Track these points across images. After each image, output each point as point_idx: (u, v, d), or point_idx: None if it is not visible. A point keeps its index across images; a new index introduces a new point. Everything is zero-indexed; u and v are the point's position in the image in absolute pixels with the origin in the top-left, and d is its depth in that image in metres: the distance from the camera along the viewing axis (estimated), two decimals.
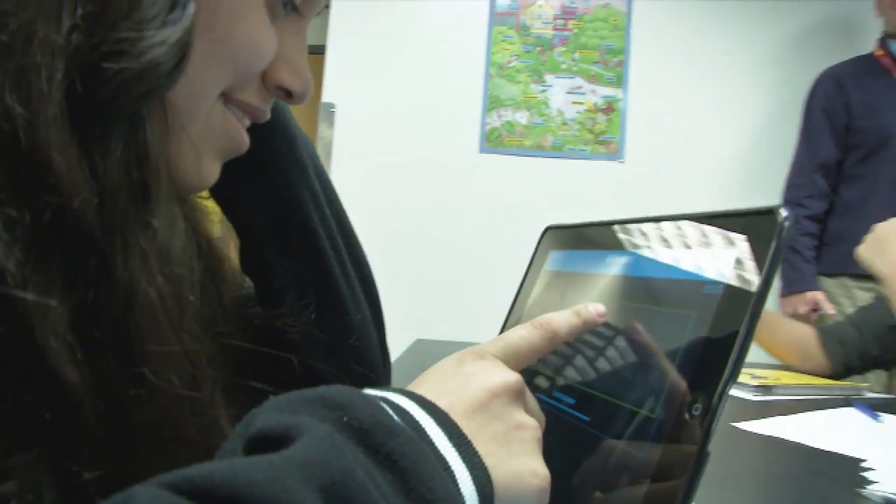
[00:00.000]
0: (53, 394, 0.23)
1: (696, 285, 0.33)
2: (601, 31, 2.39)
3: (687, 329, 0.32)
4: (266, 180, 0.45)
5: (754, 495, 0.53)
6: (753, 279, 0.29)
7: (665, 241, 0.38)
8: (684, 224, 0.37)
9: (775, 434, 0.70)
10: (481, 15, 2.38)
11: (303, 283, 0.45)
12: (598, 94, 2.38)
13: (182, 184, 0.34)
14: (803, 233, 2.01)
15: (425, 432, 0.27)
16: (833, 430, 0.75)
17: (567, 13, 2.39)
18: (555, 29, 2.39)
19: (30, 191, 0.23)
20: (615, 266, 0.41)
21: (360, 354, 0.49)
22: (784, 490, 0.54)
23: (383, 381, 0.53)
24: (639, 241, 0.40)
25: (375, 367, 0.52)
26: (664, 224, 0.39)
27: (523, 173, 2.37)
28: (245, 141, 0.38)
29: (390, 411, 0.26)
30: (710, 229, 0.34)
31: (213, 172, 0.37)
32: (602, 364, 0.37)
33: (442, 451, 0.27)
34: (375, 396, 0.27)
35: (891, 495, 0.48)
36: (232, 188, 0.42)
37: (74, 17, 0.25)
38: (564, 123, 2.37)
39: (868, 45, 2.19)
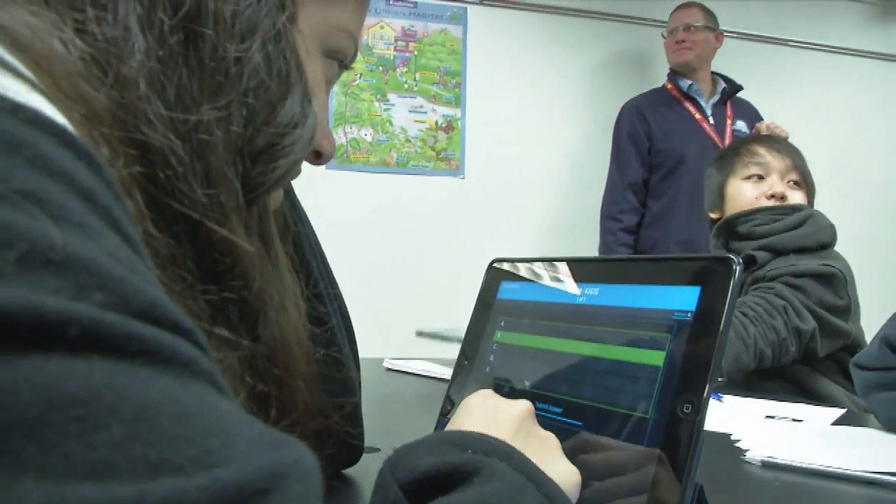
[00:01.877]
0: None
1: (666, 313, 0.43)
2: (439, 53, 2.54)
3: (667, 347, 0.42)
4: None
5: None
6: (718, 308, 0.40)
7: (622, 276, 0.48)
8: (641, 263, 0.47)
9: None
10: None
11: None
12: (438, 112, 2.52)
13: None
14: (620, 244, 2.31)
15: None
16: None
17: (408, 35, 2.50)
18: (396, 50, 2.49)
19: (219, 276, 0.27)
20: (579, 296, 0.50)
21: (338, 364, 0.54)
22: None
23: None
24: (597, 275, 0.50)
25: (352, 378, 0.57)
26: (618, 264, 0.49)
27: (370, 189, 2.45)
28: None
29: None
30: (668, 268, 0.45)
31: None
32: (586, 377, 0.47)
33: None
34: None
35: (766, 458, 0.62)
36: None
37: (241, 120, 0.29)
38: (408, 141, 2.49)
39: (660, 77, 2.57)
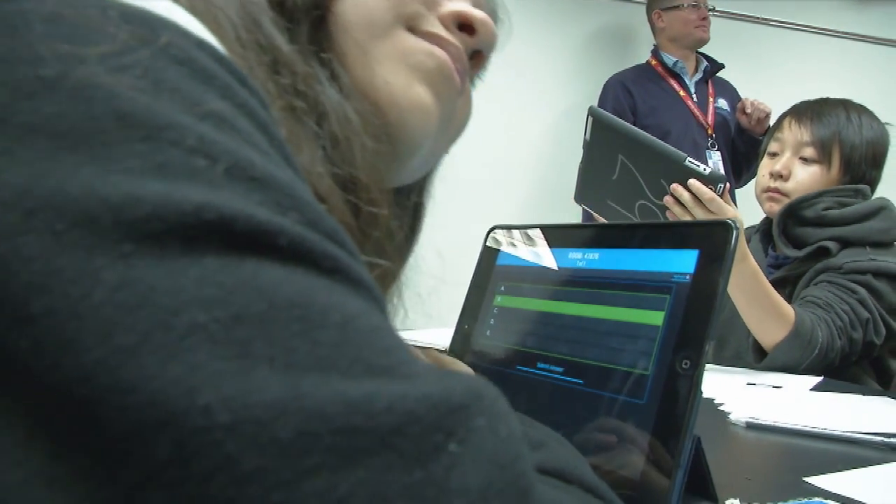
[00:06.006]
0: None
1: (665, 275, 0.45)
2: None
3: (666, 308, 0.44)
4: None
5: None
6: (716, 269, 0.42)
7: (622, 241, 0.50)
8: (641, 229, 0.49)
9: None
10: None
11: None
12: None
13: (393, 104, 0.36)
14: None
15: None
16: None
17: None
18: None
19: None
20: (579, 260, 0.52)
21: None
22: None
23: None
24: (597, 240, 0.52)
25: None
26: (618, 230, 0.51)
27: None
28: (443, 55, 0.38)
29: None
30: (667, 233, 0.47)
31: (420, 94, 0.37)
32: (586, 337, 0.48)
33: None
34: None
35: (749, 419, 0.65)
36: None
37: None
38: None
39: (643, 54, 2.58)
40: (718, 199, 0.96)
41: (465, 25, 0.40)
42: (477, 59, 0.43)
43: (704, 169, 0.97)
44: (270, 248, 0.17)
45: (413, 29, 0.38)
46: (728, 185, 0.98)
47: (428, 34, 0.38)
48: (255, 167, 0.18)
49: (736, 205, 2.42)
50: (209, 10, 0.25)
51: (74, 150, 0.16)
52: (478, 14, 0.40)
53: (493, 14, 0.45)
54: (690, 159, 0.97)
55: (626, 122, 1.07)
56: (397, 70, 0.36)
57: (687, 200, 0.97)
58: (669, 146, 1.01)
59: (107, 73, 0.17)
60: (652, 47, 2.54)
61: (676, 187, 0.98)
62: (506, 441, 0.17)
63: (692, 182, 0.97)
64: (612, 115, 1.09)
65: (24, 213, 0.15)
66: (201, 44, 0.20)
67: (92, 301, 0.15)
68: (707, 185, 0.96)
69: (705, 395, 0.80)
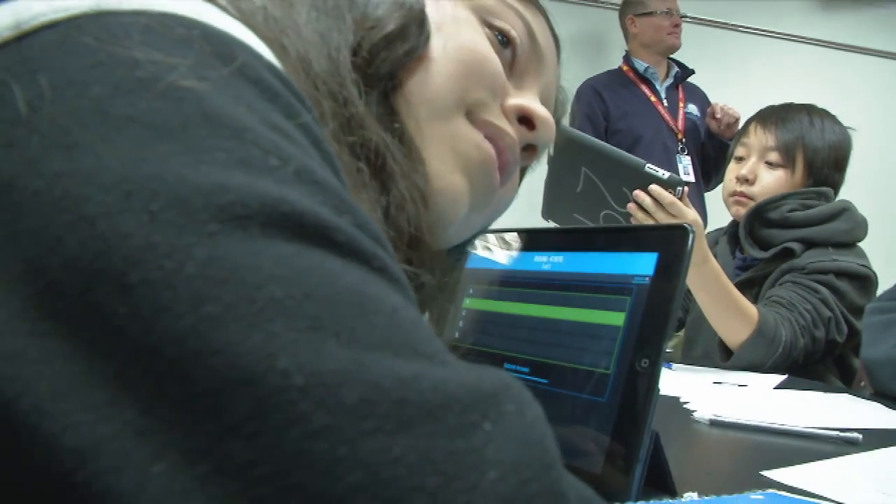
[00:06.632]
0: None
1: (626, 277, 0.47)
2: None
3: (626, 309, 0.46)
4: None
5: None
6: (674, 272, 0.44)
7: (584, 244, 0.51)
8: (603, 233, 0.50)
9: None
10: None
11: None
12: None
13: (430, 183, 0.38)
14: None
15: None
16: None
17: None
18: None
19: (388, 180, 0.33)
20: (544, 263, 0.53)
21: None
22: None
23: None
24: (561, 244, 0.53)
25: None
26: (580, 233, 0.52)
27: None
28: (490, 151, 0.40)
29: None
30: (626, 238, 0.48)
31: (457, 182, 0.39)
32: (551, 338, 0.50)
33: None
34: None
35: (713, 417, 0.67)
36: None
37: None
38: None
39: (615, 59, 2.61)
40: (678, 202, 0.99)
41: (525, 119, 0.43)
42: (530, 152, 0.46)
43: (663, 174, 1.00)
44: (332, 243, 0.19)
45: (472, 115, 0.40)
46: (687, 188, 1.01)
47: (485, 123, 0.40)
48: (315, 173, 0.20)
49: (706, 208, 2.47)
50: (289, 43, 0.29)
51: (168, 141, 0.18)
52: (540, 112, 0.42)
53: (563, 106, 0.47)
54: (650, 165, 1.00)
55: (586, 135, 1.10)
56: (444, 154, 0.39)
57: (649, 205, 1.00)
58: (629, 154, 1.04)
59: (194, 80, 0.20)
60: (624, 53, 2.57)
61: (638, 193, 1.00)
62: (532, 423, 0.19)
63: (652, 187, 0.99)
64: (573, 129, 1.12)
65: (123, 195, 0.17)
66: (269, 66, 0.23)
67: (184, 273, 0.17)
68: (667, 190, 0.99)
69: (672, 393, 0.82)
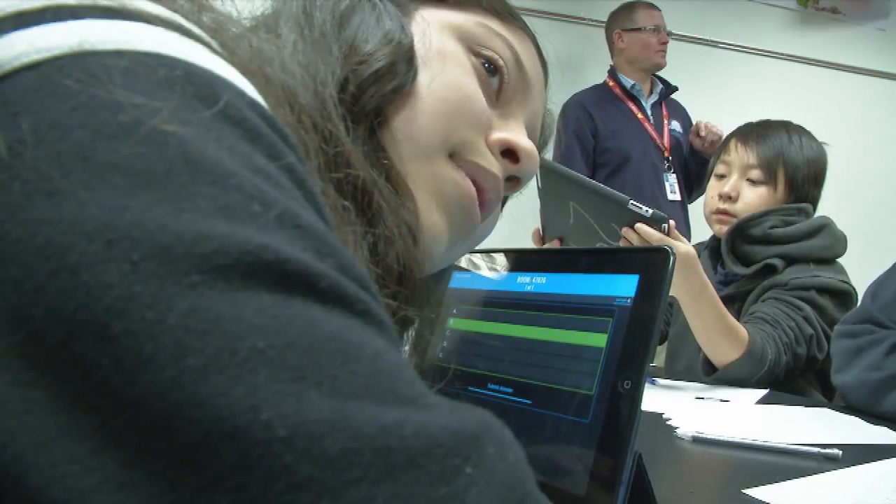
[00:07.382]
0: None
1: (608, 299, 0.47)
2: None
3: (609, 330, 0.46)
4: None
5: None
6: (655, 294, 0.44)
7: (567, 266, 0.52)
8: (585, 254, 0.51)
9: None
10: None
11: None
12: None
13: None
14: None
15: None
16: None
17: None
18: None
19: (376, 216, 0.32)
20: (527, 284, 0.54)
21: None
22: None
23: None
24: (543, 265, 0.53)
25: None
26: (563, 255, 0.53)
27: None
28: (470, 191, 0.41)
29: None
30: (610, 259, 0.49)
31: (436, 221, 0.40)
32: (534, 359, 0.50)
33: None
34: None
35: (695, 434, 0.68)
36: None
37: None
38: None
39: (596, 75, 2.61)
40: (667, 238, 1.00)
41: (509, 152, 0.43)
42: (514, 182, 0.47)
43: (647, 211, 1.00)
44: (314, 290, 0.19)
45: (455, 155, 0.41)
46: (673, 222, 1.02)
47: (468, 163, 0.41)
48: (299, 217, 0.21)
49: (688, 219, 2.47)
50: (274, 76, 0.29)
51: (150, 188, 0.18)
52: (524, 145, 0.43)
53: (550, 129, 0.48)
54: (633, 202, 1.00)
55: (569, 169, 1.10)
56: (425, 192, 0.39)
57: (638, 244, 1.01)
58: (612, 190, 1.04)
59: (177, 124, 0.20)
60: (608, 68, 2.57)
61: (627, 231, 1.01)
62: (513, 465, 0.20)
63: (639, 227, 1.00)
64: (556, 164, 1.13)
65: (105, 244, 0.17)
66: (252, 104, 0.23)
67: (166, 325, 0.17)
68: (652, 227, 1.00)
69: (654, 409, 0.82)
